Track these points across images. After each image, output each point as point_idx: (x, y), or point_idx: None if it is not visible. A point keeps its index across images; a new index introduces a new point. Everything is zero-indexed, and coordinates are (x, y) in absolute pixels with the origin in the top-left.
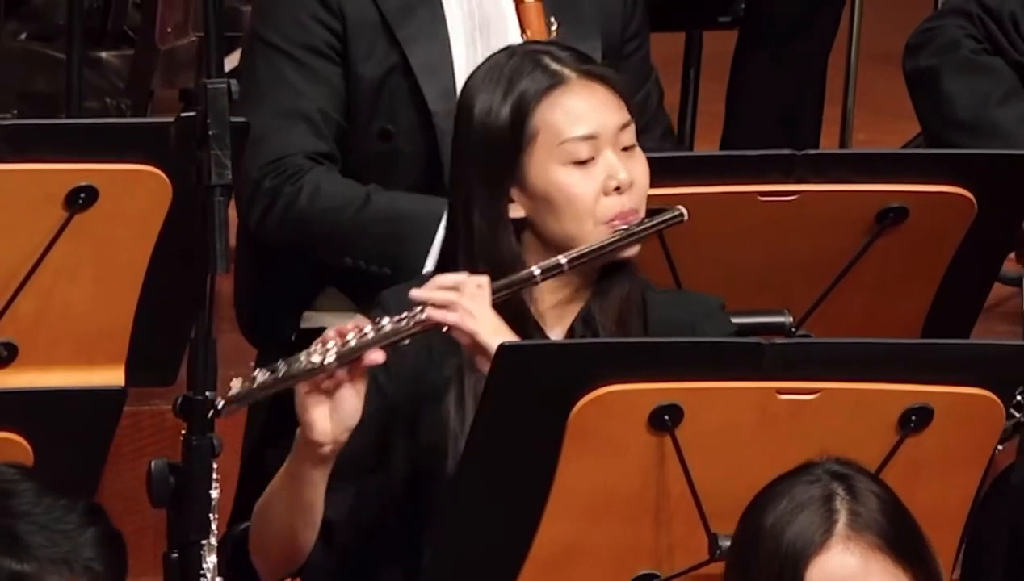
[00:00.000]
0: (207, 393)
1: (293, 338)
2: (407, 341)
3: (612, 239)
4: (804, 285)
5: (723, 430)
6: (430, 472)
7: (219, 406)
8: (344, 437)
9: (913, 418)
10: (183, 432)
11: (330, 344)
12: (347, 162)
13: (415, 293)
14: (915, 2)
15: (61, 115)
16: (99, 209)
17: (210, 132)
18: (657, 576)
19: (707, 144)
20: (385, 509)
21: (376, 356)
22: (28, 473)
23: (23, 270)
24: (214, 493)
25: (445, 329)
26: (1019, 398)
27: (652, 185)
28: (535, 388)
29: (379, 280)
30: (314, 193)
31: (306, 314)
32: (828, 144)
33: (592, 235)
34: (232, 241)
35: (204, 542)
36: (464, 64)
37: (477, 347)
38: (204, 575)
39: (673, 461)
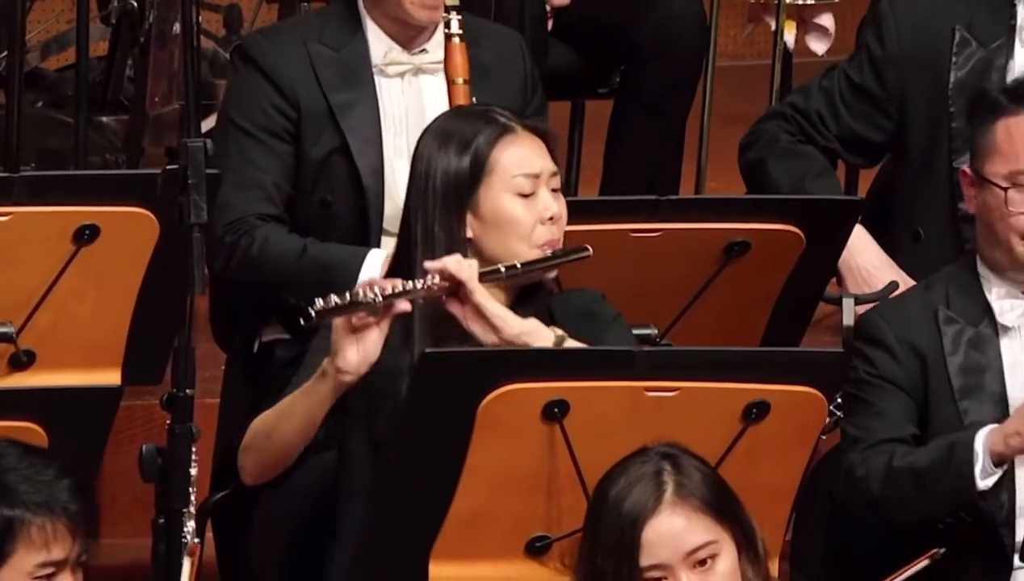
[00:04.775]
0: (187, 390)
1: (255, 349)
2: (421, 299)
3: (548, 256)
4: (667, 304)
5: (602, 420)
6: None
7: (312, 314)
8: (364, 370)
9: (754, 411)
10: (168, 422)
11: (375, 289)
12: (293, 222)
13: (429, 264)
14: (757, 77)
15: (70, 167)
16: (101, 243)
17: (190, 181)
18: (548, 537)
19: (589, 191)
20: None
21: (404, 306)
22: (13, 441)
23: (40, 292)
24: (193, 471)
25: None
26: (837, 401)
27: None
28: (450, 387)
29: None
30: (263, 245)
31: (264, 330)
32: (686, 191)
33: (527, 255)
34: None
35: (185, 510)
36: (392, 148)
37: (472, 310)
38: (185, 536)
39: (561, 446)
